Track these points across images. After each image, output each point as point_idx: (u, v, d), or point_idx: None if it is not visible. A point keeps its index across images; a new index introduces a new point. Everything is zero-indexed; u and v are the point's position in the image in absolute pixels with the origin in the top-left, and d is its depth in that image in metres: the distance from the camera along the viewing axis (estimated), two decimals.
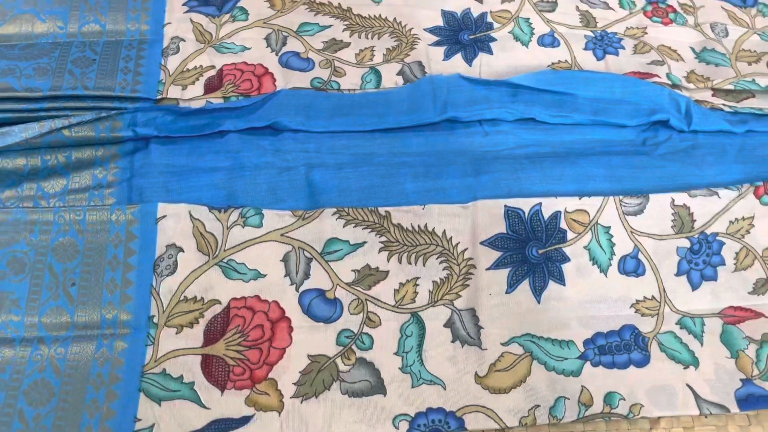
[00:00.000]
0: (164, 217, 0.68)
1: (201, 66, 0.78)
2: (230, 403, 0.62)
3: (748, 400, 0.66)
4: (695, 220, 0.74)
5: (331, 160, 0.75)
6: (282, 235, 0.68)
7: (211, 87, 0.76)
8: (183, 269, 0.66)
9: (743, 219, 0.74)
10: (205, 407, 0.61)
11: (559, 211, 0.72)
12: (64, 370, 0.62)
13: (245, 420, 0.61)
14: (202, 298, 0.65)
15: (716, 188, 0.75)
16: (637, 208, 0.73)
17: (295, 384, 0.63)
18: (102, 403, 0.61)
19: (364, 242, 0.69)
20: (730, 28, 0.89)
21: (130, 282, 0.65)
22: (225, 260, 0.67)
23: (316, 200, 0.72)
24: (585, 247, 0.71)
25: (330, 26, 0.84)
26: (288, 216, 0.69)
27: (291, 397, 0.62)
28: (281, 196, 0.72)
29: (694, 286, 0.71)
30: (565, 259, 0.70)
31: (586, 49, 0.84)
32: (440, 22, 0.86)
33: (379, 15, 0.85)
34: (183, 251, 0.67)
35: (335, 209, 0.70)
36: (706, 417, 0.66)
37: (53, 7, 0.82)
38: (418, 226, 0.70)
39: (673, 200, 0.74)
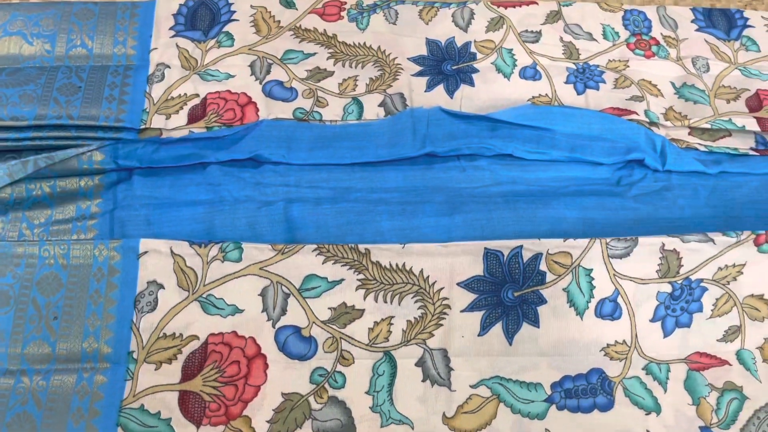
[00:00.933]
0: (146, 252, 0.69)
1: (185, 94, 0.79)
2: None
3: None
4: (682, 266, 0.72)
5: (310, 195, 0.76)
6: (261, 268, 0.70)
7: (194, 116, 0.77)
8: (163, 306, 0.68)
9: (733, 266, 0.73)
10: None
11: (541, 253, 0.72)
12: (45, 402, 0.64)
13: None
14: (181, 335, 0.67)
15: (713, 234, 0.73)
16: (624, 251, 0.72)
17: (268, 421, 0.65)
18: None
19: (342, 279, 0.70)
20: (712, 63, 0.88)
21: (111, 316, 0.67)
22: (204, 295, 0.68)
23: (294, 236, 0.73)
24: (564, 290, 0.71)
25: (314, 54, 0.84)
26: (268, 250, 0.71)
27: None
28: (260, 231, 0.73)
29: (666, 333, 0.71)
30: (542, 301, 0.71)
31: (567, 82, 0.85)
32: (424, 51, 0.86)
33: (364, 43, 0.86)
34: (163, 288, 0.68)
35: (315, 245, 0.71)
36: None
37: (42, 30, 0.82)
38: (396, 265, 0.71)
39: (663, 245, 0.73)
